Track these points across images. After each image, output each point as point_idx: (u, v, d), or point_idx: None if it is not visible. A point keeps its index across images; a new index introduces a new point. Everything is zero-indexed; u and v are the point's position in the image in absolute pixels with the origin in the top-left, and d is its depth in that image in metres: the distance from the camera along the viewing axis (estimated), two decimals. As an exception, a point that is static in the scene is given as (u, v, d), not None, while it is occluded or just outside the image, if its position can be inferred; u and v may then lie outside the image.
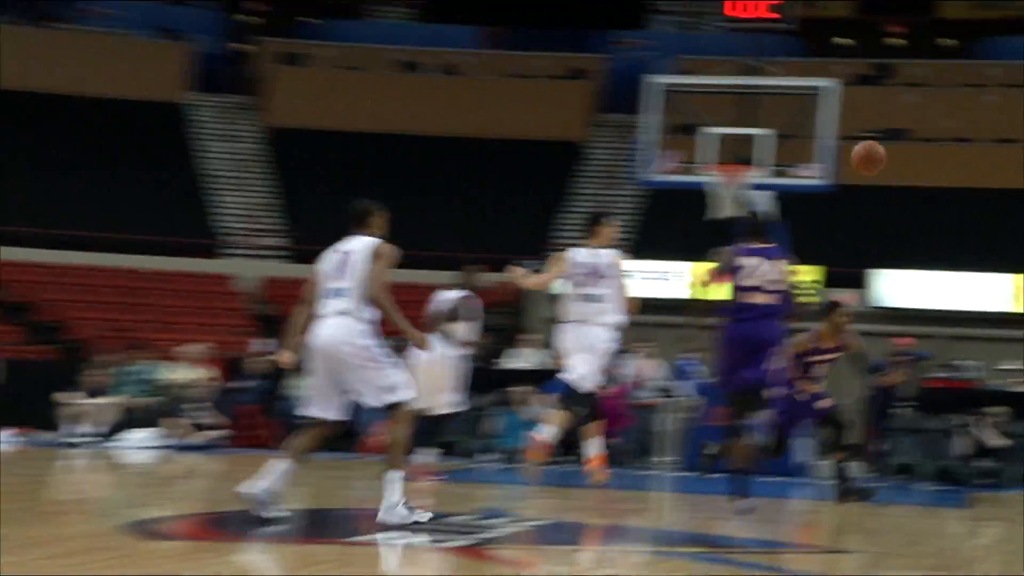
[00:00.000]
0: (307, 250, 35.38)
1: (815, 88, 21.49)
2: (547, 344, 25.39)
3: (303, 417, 10.29)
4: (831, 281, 31.90)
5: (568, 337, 13.27)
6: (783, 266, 12.55)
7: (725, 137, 22.07)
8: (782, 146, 21.77)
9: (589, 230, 13.42)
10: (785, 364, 12.66)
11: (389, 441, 10.03)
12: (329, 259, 10.21)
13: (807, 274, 31.19)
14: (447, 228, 35.48)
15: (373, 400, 9.96)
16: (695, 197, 26.17)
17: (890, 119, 37.21)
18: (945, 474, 20.35)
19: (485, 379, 23.12)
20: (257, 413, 22.11)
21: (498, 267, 30.13)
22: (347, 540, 9.61)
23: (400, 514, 9.78)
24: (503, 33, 43.22)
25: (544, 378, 21.89)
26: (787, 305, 12.40)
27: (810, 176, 21.38)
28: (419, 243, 34.00)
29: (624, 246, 34.99)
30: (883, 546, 10.70)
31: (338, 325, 9.96)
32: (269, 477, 9.90)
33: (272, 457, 10.02)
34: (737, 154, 22.41)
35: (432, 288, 16.02)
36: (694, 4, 43.35)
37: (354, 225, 10.26)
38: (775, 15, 22.81)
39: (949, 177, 35.73)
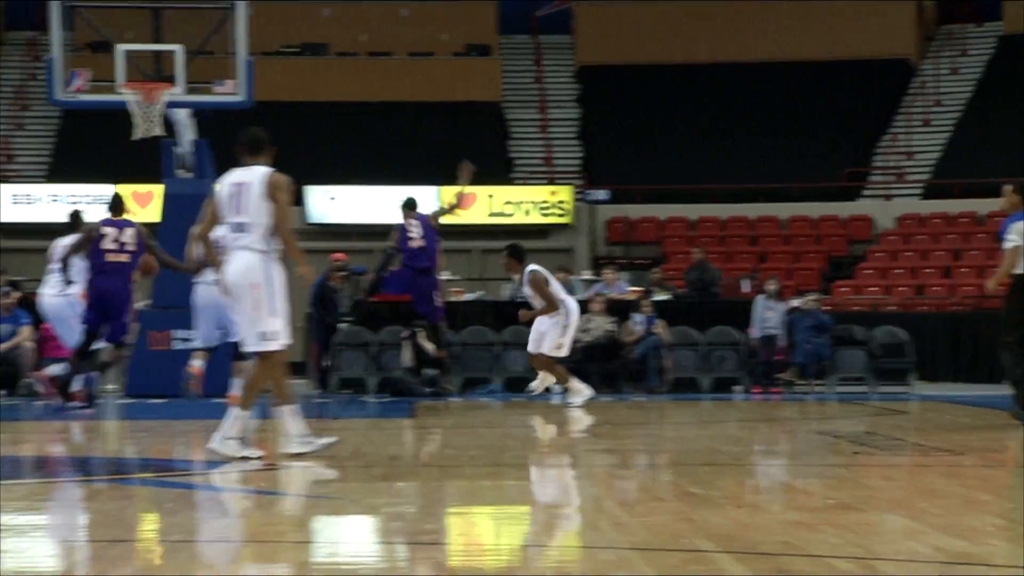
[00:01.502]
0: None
1: (225, 2, 20.73)
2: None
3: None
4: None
5: None
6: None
7: (138, 54, 21.04)
8: (198, 62, 20.95)
9: None
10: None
11: (248, 380, 10.53)
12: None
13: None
14: None
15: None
16: (112, 117, 25.04)
17: (307, 34, 36.94)
18: (391, 386, 20.45)
19: None
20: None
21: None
22: None
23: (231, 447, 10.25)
24: None
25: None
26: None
27: (228, 93, 20.67)
28: None
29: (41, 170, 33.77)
30: (332, 460, 10.56)
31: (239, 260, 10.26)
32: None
33: None
34: (152, 71, 21.47)
35: None
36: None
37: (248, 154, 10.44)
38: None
39: (368, 91, 35.78)
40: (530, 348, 17.39)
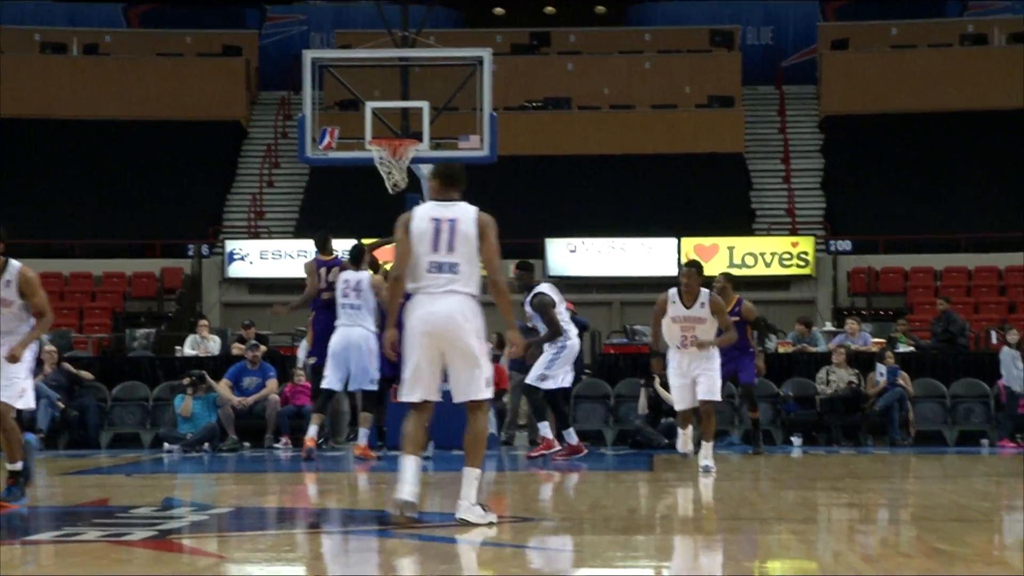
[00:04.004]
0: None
1: (471, 58, 21.10)
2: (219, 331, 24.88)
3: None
4: (508, 253, 31.62)
5: None
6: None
7: (385, 111, 21.55)
8: (443, 118, 21.35)
9: None
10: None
11: (475, 436, 9.60)
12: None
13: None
14: (103, 215, 34.03)
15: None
16: (356, 173, 25.57)
17: (550, 88, 37.29)
18: (628, 437, 20.44)
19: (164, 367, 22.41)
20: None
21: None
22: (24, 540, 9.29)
23: (478, 513, 9.48)
24: (150, 11, 41.80)
25: (220, 364, 21.42)
26: None
27: (472, 148, 20.99)
28: (73, 232, 32.63)
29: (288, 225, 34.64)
30: (569, 512, 10.55)
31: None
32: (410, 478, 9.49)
33: None
34: (398, 128, 21.94)
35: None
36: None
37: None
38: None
39: (610, 144, 35.94)
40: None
